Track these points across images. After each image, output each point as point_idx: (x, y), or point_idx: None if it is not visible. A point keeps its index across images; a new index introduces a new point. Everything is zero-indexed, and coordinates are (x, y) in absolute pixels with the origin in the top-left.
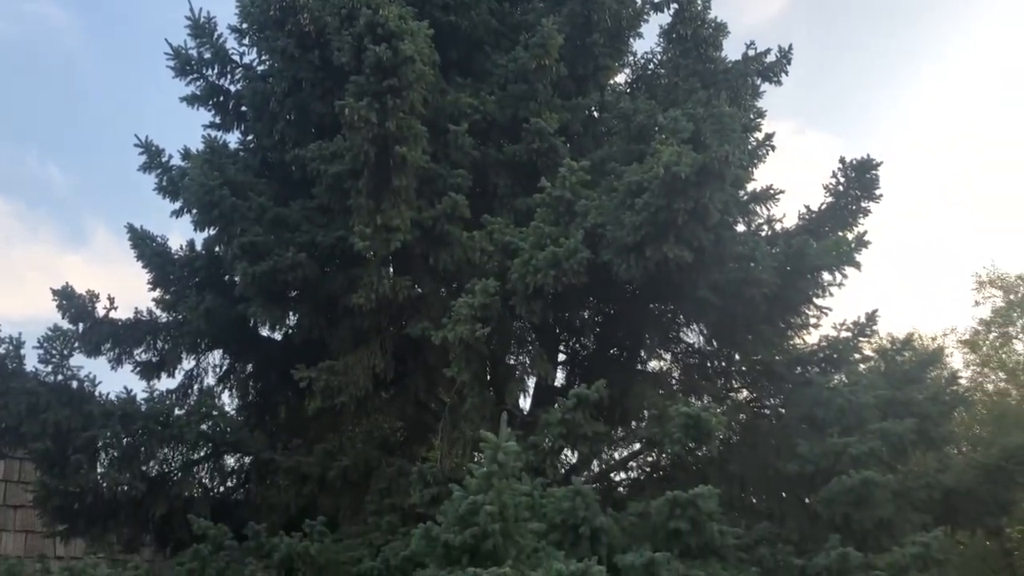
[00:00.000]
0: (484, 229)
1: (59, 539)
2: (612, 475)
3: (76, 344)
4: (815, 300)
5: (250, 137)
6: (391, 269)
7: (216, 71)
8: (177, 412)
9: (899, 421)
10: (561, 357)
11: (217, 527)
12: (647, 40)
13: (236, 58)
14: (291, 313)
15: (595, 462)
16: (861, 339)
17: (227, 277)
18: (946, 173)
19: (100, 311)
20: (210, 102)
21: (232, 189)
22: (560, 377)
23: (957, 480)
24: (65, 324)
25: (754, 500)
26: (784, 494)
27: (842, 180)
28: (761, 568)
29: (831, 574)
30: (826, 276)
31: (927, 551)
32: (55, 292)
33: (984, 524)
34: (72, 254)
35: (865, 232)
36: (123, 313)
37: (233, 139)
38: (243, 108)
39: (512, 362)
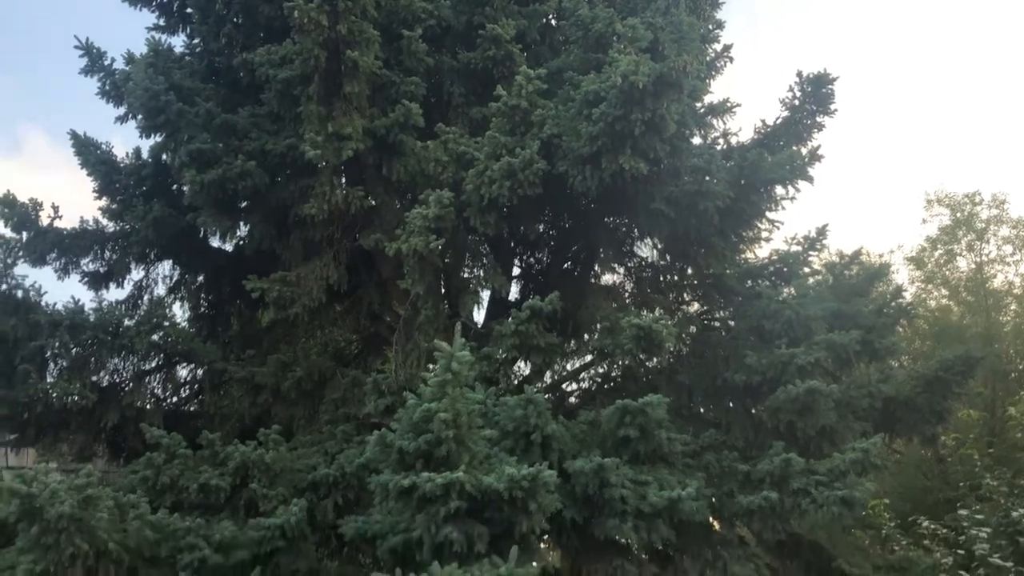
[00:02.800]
0: (438, 139)
1: (10, 449)
2: (564, 385)
3: (20, 253)
4: (767, 214)
5: (196, 40)
6: (343, 179)
7: None
8: (127, 322)
9: (844, 333)
10: (515, 270)
11: (170, 436)
12: None
13: None
14: (242, 223)
15: (548, 373)
16: (811, 253)
17: (175, 186)
18: (902, 93)
19: (44, 220)
20: (153, 3)
21: (178, 94)
22: (514, 290)
23: (897, 390)
24: (7, 233)
25: (702, 409)
26: (731, 403)
27: (798, 94)
28: (707, 473)
29: (774, 479)
30: (779, 190)
31: (866, 457)
32: None
33: (921, 432)
34: (5, 160)
35: (819, 146)
36: (68, 222)
37: (178, 42)
38: (188, 10)
39: (466, 275)
